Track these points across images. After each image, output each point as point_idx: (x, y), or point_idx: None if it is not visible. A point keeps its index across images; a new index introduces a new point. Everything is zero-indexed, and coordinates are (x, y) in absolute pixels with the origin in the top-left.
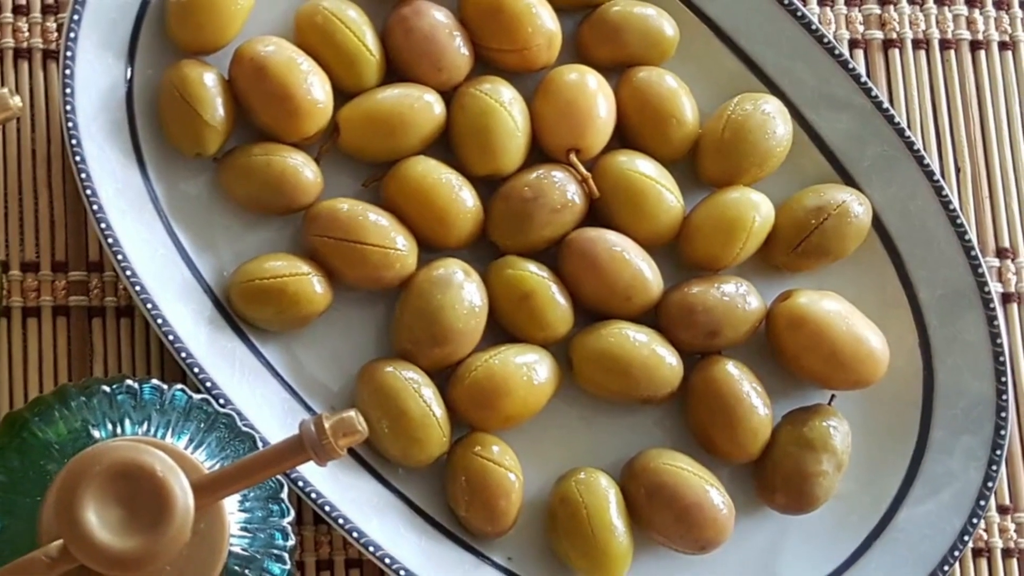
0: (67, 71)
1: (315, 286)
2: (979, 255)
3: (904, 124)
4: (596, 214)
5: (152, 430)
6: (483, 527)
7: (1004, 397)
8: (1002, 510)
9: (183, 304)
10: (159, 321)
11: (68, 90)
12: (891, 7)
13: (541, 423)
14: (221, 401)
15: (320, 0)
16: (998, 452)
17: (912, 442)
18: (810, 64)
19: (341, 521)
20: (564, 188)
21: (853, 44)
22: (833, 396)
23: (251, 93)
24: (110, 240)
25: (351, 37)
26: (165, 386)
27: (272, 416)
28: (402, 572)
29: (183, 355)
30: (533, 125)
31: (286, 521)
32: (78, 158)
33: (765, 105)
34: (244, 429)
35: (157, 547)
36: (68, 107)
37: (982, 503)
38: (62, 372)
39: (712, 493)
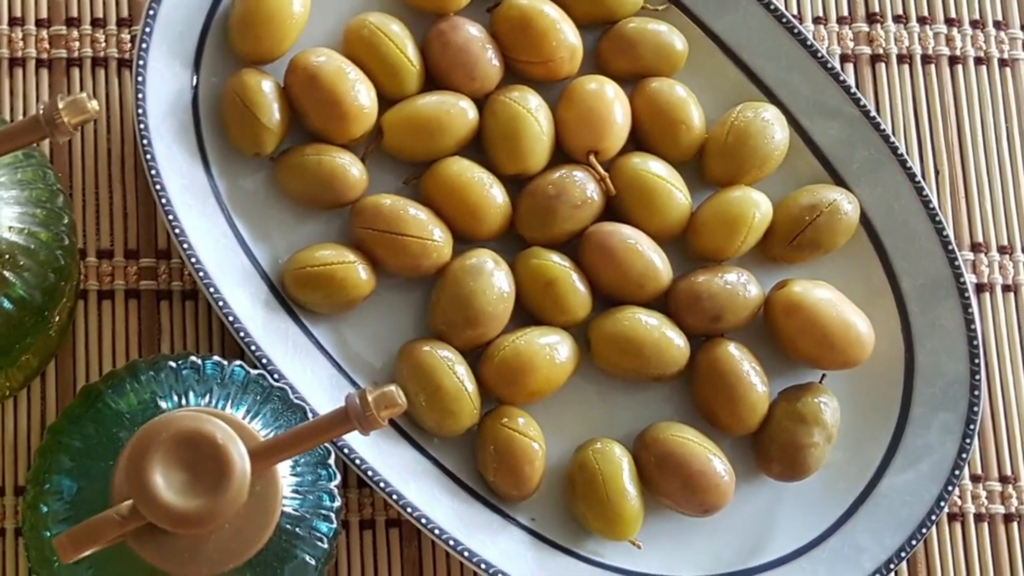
0: (139, 78)
1: (360, 273)
2: (955, 249)
3: (889, 131)
4: (613, 210)
5: (213, 402)
6: (509, 491)
7: (977, 377)
8: (975, 479)
9: (242, 288)
10: (220, 304)
11: (140, 95)
12: (878, 25)
13: (562, 398)
14: (275, 376)
15: (367, 15)
16: (971, 427)
17: (894, 417)
18: (805, 76)
19: (382, 485)
20: (584, 186)
21: (844, 58)
22: (824, 375)
23: (304, 99)
24: (177, 230)
25: (394, 49)
26: (225, 362)
27: (321, 390)
28: (436, 531)
29: (241, 334)
30: (557, 129)
31: (333, 484)
32: (149, 156)
33: (765, 113)
34: (296, 401)
35: (217, 507)
36: (140, 111)
37: (957, 473)
38: (133, 349)
39: (715, 462)
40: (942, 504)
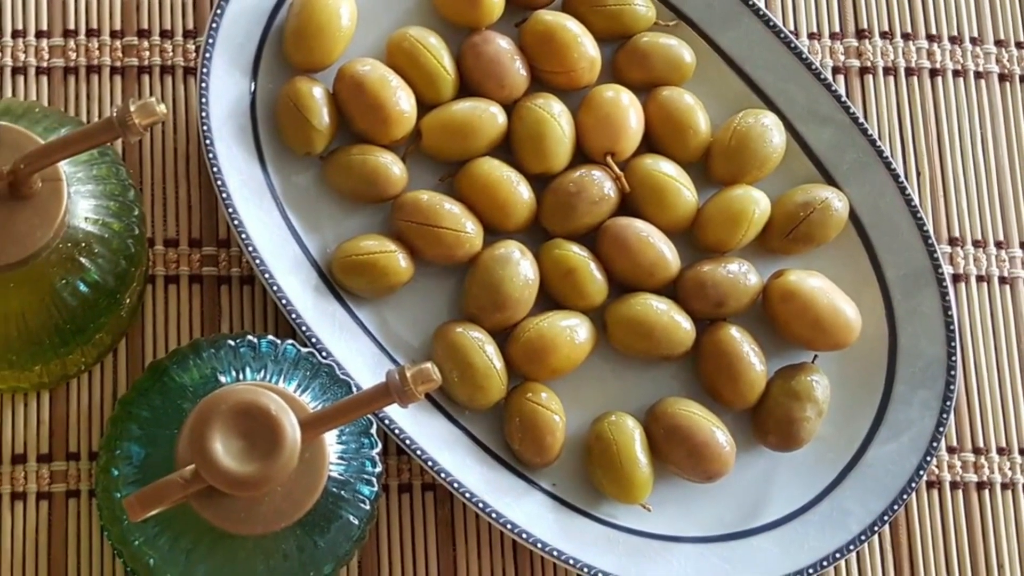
0: (203, 84)
1: (400, 262)
2: (935, 243)
3: (876, 136)
4: (627, 206)
5: (268, 377)
6: (533, 459)
7: (953, 359)
8: (951, 450)
9: (294, 275)
10: (274, 288)
11: (204, 100)
12: (866, 41)
13: (581, 375)
14: (323, 354)
15: (407, 29)
16: (948, 403)
17: (879, 394)
18: (801, 86)
19: (419, 452)
20: (602, 184)
21: (835, 70)
22: (816, 356)
23: (351, 104)
24: (236, 222)
25: (432, 59)
26: (279, 341)
27: (364, 366)
28: (467, 495)
29: (293, 316)
30: (577, 133)
31: (374, 452)
32: (211, 155)
33: (764, 119)
34: (342, 377)
35: (270, 472)
36: (203, 114)
37: (935, 444)
38: (196, 329)
39: (718, 434)
40: (921, 473)
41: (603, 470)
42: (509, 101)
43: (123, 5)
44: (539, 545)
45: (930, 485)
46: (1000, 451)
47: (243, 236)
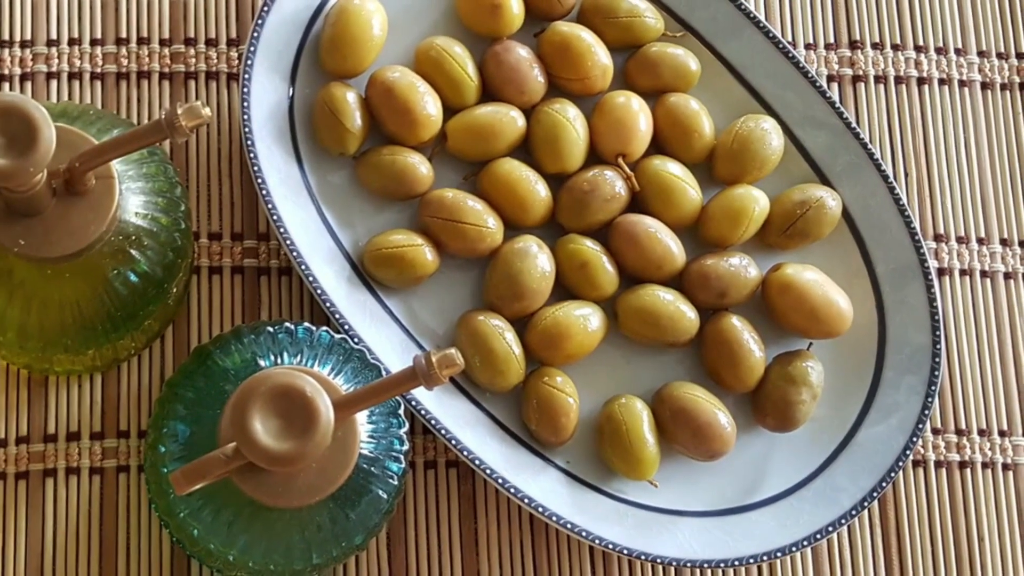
0: (245, 89)
1: (426, 254)
2: (921, 239)
3: (867, 139)
4: (637, 203)
5: (304, 361)
6: (548, 438)
7: (938, 347)
8: (935, 432)
9: (328, 266)
10: (310, 279)
11: (245, 104)
12: (859, 51)
13: (593, 360)
14: (355, 340)
15: (434, 39)
16: (933, 388)
17: (869, 379)
18: (798, 93)
19: (443, 432)
20: (613, 183)
21: (830, 78)
22: (811, 343)
23: (382, 108)
24: (275, 217)
25: (456, 67)
26: (314, 328)
27: (393, 352)
28: (488, 471)
29: (327, 305)
30: (591, 135)
31: (402, 431)
32: (252, 155)
33: (764, 123)
34: (372, 361)
35: (306, 449)
36: (245, 116)
37: (920, 426)
38: (237, 316)
39: (720, 415)
40: (908, 452)
41: (613, 449)
42: (528, 106)
43: (171, 15)
44: (554, 518)
45: (916, 464)
46: (981, 432)
47: (281, 230)
